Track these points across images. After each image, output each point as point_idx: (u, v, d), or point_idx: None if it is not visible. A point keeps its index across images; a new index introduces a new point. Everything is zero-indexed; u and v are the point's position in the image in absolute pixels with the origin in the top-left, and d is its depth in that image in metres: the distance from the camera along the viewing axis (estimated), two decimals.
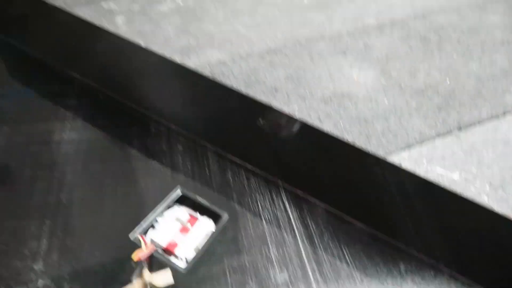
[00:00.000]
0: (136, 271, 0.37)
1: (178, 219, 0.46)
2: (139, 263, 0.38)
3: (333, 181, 0.48)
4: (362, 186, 0.46)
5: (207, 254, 0.42)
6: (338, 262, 0.43)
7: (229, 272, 0.41)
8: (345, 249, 0.44)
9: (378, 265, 0.43)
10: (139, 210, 0.46)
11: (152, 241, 0.44)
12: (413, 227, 0.45)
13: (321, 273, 0.42)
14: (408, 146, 1.01)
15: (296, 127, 0.46)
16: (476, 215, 0.39)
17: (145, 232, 0.45)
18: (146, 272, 0.38)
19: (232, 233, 0.45)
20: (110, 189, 0.48)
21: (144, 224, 0.44)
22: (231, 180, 0.50)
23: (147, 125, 0.57)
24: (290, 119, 0.44)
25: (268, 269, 0.42)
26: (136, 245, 0.42)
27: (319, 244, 0.44)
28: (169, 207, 0.48)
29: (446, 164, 0.96)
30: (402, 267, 0.43)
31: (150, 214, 0.45)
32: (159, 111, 0.59)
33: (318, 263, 0.43)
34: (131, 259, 0.38)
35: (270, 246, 0.44)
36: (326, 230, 0.46)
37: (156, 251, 0.43)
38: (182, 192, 0.48)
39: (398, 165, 0.39)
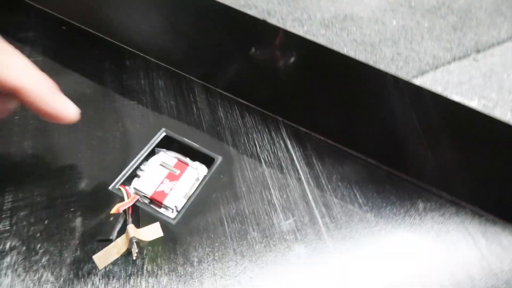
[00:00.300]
0: (118, 227, 0.31)
1: (164, 165, 0.40)
2: (121, 217, 0.32)
3: (339, 113, 0.41)
4: (373, 117, 0.39)
5: (200, 202, 0.37)
6: (349, 205, 0.38)
7: (226, 221, 0.36)
8: (356, 189, 0.39)
9: (394, 205, 0.38)
10: (119, 158, 0.40)
11: (136, 191, 0.38)
12: (432, 162, 0.40)
13: (331, 217, 0.37)
14: (421, 72, 0.92)
15: (295, 47, 0.38)
16: (504, 140, 0.34)
17: (127, 183, 0.39)
18: (130, 227, 0.33)
19: (227, 178, 0.39)
20: (83, 136, 0.41)
21: (125, 173, 0.38)
22: (223, 118, 0.44)
23: (122, 59, 0.49)
24: (289, 36, 0.36)
25: (272, 216, 0.36)
26: (118, 198, 0.36)
27: (327, 186, 0.39)
28: (153, 152, 0.42)
29: (463, 90, 0.87)
30: (421, 205, 0.38)
31: (131, 161, 0.39)
32: (135, 42, 0.50)
33: (327, 207, 0.38)
34: (110, 214, 0.32)
35: (272, 190, 0.38)
36: (334, 170, 0.40)
37: (140, 201, 0.37)
38: (167, 134, 0.42)
39: (416, 84, 0.33)
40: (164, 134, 0.42)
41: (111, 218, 0.31)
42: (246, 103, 0.45)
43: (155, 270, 0.33)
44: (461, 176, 0.39)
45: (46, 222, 0.35)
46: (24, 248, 0.33)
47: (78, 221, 0.35)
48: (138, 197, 0.37)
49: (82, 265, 0.33)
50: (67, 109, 0.27)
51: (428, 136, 0.38)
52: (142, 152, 0.40)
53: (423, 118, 0.37)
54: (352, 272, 0.34)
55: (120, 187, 0.37)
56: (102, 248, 0.32)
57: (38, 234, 0.34)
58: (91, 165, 0.39)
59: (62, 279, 0.32)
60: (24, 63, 0.25)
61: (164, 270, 0.33)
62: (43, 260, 0.33)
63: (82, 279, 0.32)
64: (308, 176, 0.40)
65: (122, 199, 0.36)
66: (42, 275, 0.32)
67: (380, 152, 0.41)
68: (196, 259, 0.33)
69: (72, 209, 0.35)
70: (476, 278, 0.34)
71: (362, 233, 0.36)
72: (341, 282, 0.33)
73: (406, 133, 0.40)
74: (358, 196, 0.39)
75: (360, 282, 0.33)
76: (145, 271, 0.33)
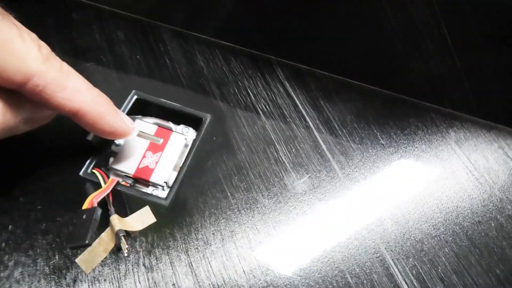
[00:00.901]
0: (94, 226, 0.24)
1: (143, 135, 0.33)
2: (96, 211, 0.25)
3: (345, 40, 0.33)
4: (386, 39, 0.32)
5: (195, 173, 0.30)
6: (370, 149, 0.32)
7: (230, 192, 0.30)
8: (376, 128, 0.33)
9: (422, 140, 0.32)
10: (86, 135, 0.32)
11: (115, 172, 0.31)
12: (460, 84, 0.33)
13: (352, 166, 0.31)
14: None
15: None
16: None
17: (103, 164, 0.32)
18: (114, 218, 0.27)
19: (222, 139, 0.32)
20: None
21: (97, 152, 0.31)
22: (204, 67, 0.36)
23: (67, 13, 0.39)
24: None
25: (282, 177, 0.30)
26: (93, 185, 0.29)
27: (341, 130, 0.33)
28: None
29: None
30: (452, 135, 0.32)
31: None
32: None
33: (346, 155, 0.31)
34: (82, 211, 0.25)
35: (277, 146, 0.32)
36: (347, 110, 0.34)
37: (122, 183, 0.30)
38: (139, 97, 0.34)
39: None
40: (135, 97, 0.34)
41: (84, 216, 0.24)
42: (230, 44, 0.37)
43: (154, 264, 0.27)
44: (495, 96, 0.33)
45: (9, 228, 0.28)
46: None
47: (48, 221, 0.28)
48: (117, 179, 0.30)
49: (65, 273, 0.27)
50: (125, 126, 0.26)
51: (456, 52, 0.31)
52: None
53: (453, 28, 0.29)
54: (385, 223, 0.28)
55: (94, 171, 0.31)
56: (84, 250, 0.26)
57: (3, 244, 0.28)
58: (52, 149, 0.31)
59: None
60: (81, 84, 0.24)
61: (165, 261, 0.27)
62: (15, 274, 0.27)
63: None
64: (317, 122, 0.33)
65: (99, 185, 0.29)
66: None
67: (398, 81, 0.34)
68: (201, 242, 0.28)
69: (39, 207, 0.29)
70: None
71: (391, 180, 0.30)
72: (374, 236, 0.28)
73: (427, 55, 0.32)
74: (379, 136, 0.32)
75: (394, 235, 0.28)
76: (142, 267, 0.27)
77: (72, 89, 0.23)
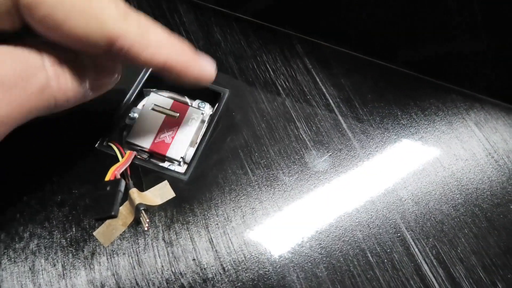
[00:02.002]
0: (119, 198, 0.24)
1: (158, 109, 0.32)
2: (119, 183, 0.25)
3: (367, 15, 0.33)
4: (410, 11, 0.31)
5: (213, 149, 0.30)
6: (390, 128, 0.31)
7: (249, 168, 0.29)
8: (397, 108, 0.32)
9: (442, 121, 0.32)
10: (99, 108, 0.31)
11: (131, 146, 0.30)
12: (484, 66, 0.33)
13: (372, 145, 0.30)
14: None
15: None
16: None
17: (118, 138, 0.31)
18: (134, 192, 0.26)
19: (241, 115, 0.31)
20: None
21: (112, 125, 0.30)
22: (221, 41, 0.35)
23: None
24: None
25: (303, 155, 0.30)
26: (108, 158, 0.28)
27: (362, 109, 0.32)
28: (142, 95, 0.33)
29: None
30: (473, 117, 0.32)
31: (117, 110, 0.31)
32: None
33: (366, 134, 0.31)
34: (105, 183, 0.25)
35: (298, 123, 0.31)
36: (368, 88, 0.33)
37: (138, 157, 0.30)
38: None
39: None
40: (150, 69, 0.33)
41: (108, 188, 0.23)
42: (248, 18, 0.36)
43: (174, 239, 0.27)
44: None
45: (24, 199, 0.27)
46: (2, 235, 0.26)
47: (65, 193, 0.27)
48: (135, 152, 0.29)
49: (82, 245, 0.26)
50: (208, 71, 0.25)
51: (484, 31, 0.31)
52: (127, 97, 0.32)
53: (485, 9, 0.29)
54: (406, 204, 0.28)
55: (110, 144, 0.30)
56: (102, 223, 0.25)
57: (18, 215, 0.27)
58: (66, 122, 0.30)
59: (60, 265, 0.25)
60: (162, 36, 0.23)
61: (185, 237, 0.27)
62: (31, 245, 0.26)
63: (86, 262, 0.26)
64: (338, 100, 0.32)
65: (114, 159, 0.28)
66: (34, 264, 0.26)
67: (420, 60, 0.34)
68: (222, 218, 0.27)
69: (54, 179, 0.28)
70: None
71: (411, 161, 0.30)
72: (395, 216, 0.28)
73: (455, 34, 0.32)
74: (400, 116, 0.32)
75: (415, 215, 0.28)
76: (161, 242, 0.26)
77: (155, 45, 0.22)
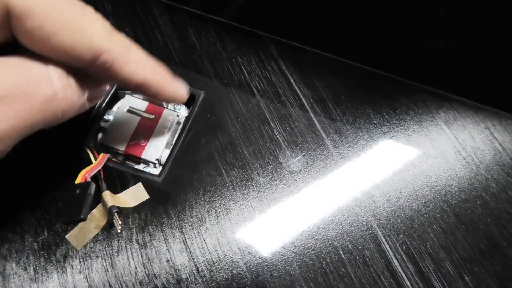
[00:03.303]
0: (89, 201, 0.24)
1: (133, 111, 0.32)
2: (91, 186, 0.25)
3: (339, 17, 0.33)
4: (381, 17, 0.32)
5: (188, 150, 0.30)
6: (363, 128, 0.32)
7: (224, 169, 0.29)
8: (369, 108, 0.33)
9: (413, 120, 0.33)
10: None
11: (105, 148, 0.30)
12: (452, 66, 0.34)
13: (345, 145, 0.31)
14: None
15: None
16: None
17: (92, 140, 0.31)
18: (106, 194, 0.26)
19: (216, 117, 0.32)
20: None
21: (86, 129, 0.30)
22: (196, 43, 0.35)
23: None
24: None
25: (277, 155, 0.30)
26: (83, 161, 0.28)
27: (335, 109, 0.33)
28: (117, 97, 0.33)
29: None
30: (442, 114, 0.33)
31: (92, 113, 0.31)
32: None
33: (339, 134, 0.32)
34: (75, 186, 0.25)
35: (272, 124, 0.31)
36: (341, 89, 0.34)
37: (112, 159, 0.30)
38: None
39: None
40: None
41: (78, 191, 0.23)
42: (223, 20, 0.36)
43: (148, 240, 0.27)
44: (485, 77, 0.34)
45: None
46: None
47: (36, 197, 0.27)
48: (108, 155, 0.29)
49: (55, 249, 0.26)
50: (183, 91, 0.27)
51: (449, 33, 0.32)
52: (101, 101, 0.32)
53: (448, 8, 0.30)
54: (378, 201, 0.29)
55: (84, 147, 0.30)
56: (75, 226, 0.25)
57: None
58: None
59: (32, 269, 0.25)
60: (142, 55, 0.24)
61: (159, 238, 0.27)
62: (1, 250, 0.26)
63: (58, 265, 0.25)
64: (312, 100, 0.33)
65: (88, 162, 0.28)
66: (5, 268, 0.25)
67: (392, 61, 0.35)
68: (196, 220, 0.27)
69: (26, 184, 0.28)
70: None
71: (383, 159, 0.31)
72: (367, 214, 0.28)
73: (422, 34, 0.33)
74: (372, 116, 0.33)
75: (386, 212, 0.29)
76: (135, 244, 0.26)
77: (135, 62, 0.23)
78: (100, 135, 0.32)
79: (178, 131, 0.31)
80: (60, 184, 0.27)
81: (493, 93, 0.34)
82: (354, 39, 0.35)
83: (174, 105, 0.33)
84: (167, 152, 0.31)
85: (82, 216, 0.22)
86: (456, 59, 0.33)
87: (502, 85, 0.34)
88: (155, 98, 0.26)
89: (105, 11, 0.36)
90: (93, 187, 0.24)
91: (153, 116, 0.31)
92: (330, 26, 0.35)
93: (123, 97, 0.33)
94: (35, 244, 0.26)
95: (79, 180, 0.24)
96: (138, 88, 0.24)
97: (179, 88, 0.27)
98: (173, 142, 0.31)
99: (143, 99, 0.33)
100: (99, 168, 0.27)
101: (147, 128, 0.31)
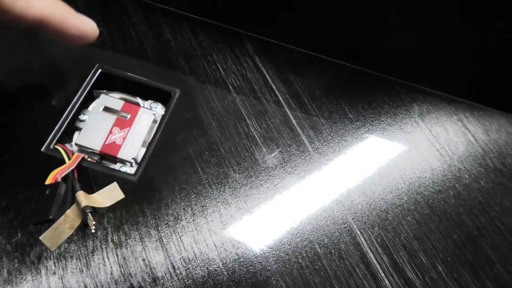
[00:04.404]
0: (58, 201, 0.24)
1: (109, 110, 0.32)
2: (61, 186, 0.24)
3: (314, 13, 0.33)
4: (355, 12, 0.32)
5: (164, 149, 0.30)
6: (339, 122, 0.32)
7: (200, 166, 0.29)
8: (344, 103, 0.33)
9: (388, 114, 0.33)
10: (48, 110, 0.31)
11: (80, 148, 0.30)
12: (424, 59, 0.34)
13: (321, 140, 0.31)
14: None
15: None
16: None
17: (67, 139, 0.30)
18: (80, 195, 0.26)
19: (192, 114, 0.32)
20: None
21: (60, 127, 0.30)
22: (171, 40, 0.35)
23: None
24: None
25: (253, 151, 0.30)
26: (55, 161, 0.28)
27: (310, 105, 0.33)
28: (92, 96, 0.33)
29: None
30: (416, 107, 0.34)
31: (65, 111, 0.30)
32: None
33: (315, 129, 0.32)
34: (45, 186, 0.24)
35: (248, 120, 0.32)
36: (316, 84, 0.34)
37: (87, 160, 0.30)
38: (104, 70, 0.33)
39: None
40: (100, 71, 0.33)
41: (47, 191, 0.23)
42: (197, 17, 0.36)
43: (123, 240, 0.27)
44: (457, 70, 0.34)
45: None
46: None
47: (9, 198, 0.27)
48: (82, 155, 0.29)
49: (28, 250, 0.26)
50: (92, 25, 0.25)
51: (419, 28, 0.32)
52: (76, 98, 0.31)
53: (417, 4, 0.30)
54: (353, 195, 0.29)
55: (56, 146, 0.29)
56: (49, 227, 0.25)
57: None
58: (12, 124, 0.30)
59: (5, 271, 0.25)
60: None
61: (134, 237, 0.27)
62: None
63: (32, 266, 0.25)
64: (287, 96, 0.33)
65: (62, 162, 0.28)
66: None
67: (366, 56, 0.35)
68: (171, 218, 0.27)
69: None
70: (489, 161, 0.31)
71: (358, 153, 0.31)
72: (342, 207, 0.29)
73: (393, 27, 0.33)
74: (347, 110, 0.33)
75: (361, 205, 0.29)
76: (110, 243, 0.26)
77: None
78: (76, 135, 0.31)
79: (154, 129, 0.31)
80: (33, 184, 0.27)
81: (465, 85, 0.34)
82: (329, 36, 0.35)
83: (150, 104, 0.33)
84: (143, 151, 0.30)
85: (51, 217, 0.22)
86: (425, 53, 0.33)
87: (474, 77, 0.34)
88: (63, 36, 0.24)
89: (78, 9, 0.35)
90: (63, 187, 0.24)
91: (129, 115, 0.31)
92: (305, 23, 0.35)
93: (98, 96, 0.33)
94: (9, 246, 0.26)
95: (49, 180, 0.24)
96: (40, 26, 0.23)
97: (85, 20, 0.25)
98: (149, 141, 0.31)
99: (119, 99, 0.32)
100: (72, 168, 0.27)
101: (123, 127, 0.31)
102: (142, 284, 0.25)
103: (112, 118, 0.31)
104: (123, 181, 0.28)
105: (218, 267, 0.26)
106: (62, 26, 0.23)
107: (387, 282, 0.26)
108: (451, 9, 0.30)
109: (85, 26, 0.25)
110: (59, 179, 0.25)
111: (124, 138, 0.30)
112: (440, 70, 0.34)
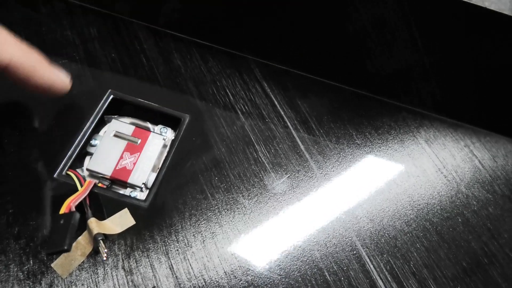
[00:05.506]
0: (72, 231, 0.24)
1: (120, 135, 0.32)
2: (74, 216, 0.25)
3: (321, 40, 0.34)
4: (360, 41, 0.33)
5: (174, 174, 0.30)
6: (346, 148, 0.33)
7: (210, 192, 0.30)
8: (352, 128, 0.34)
9: (395, 139, 0.34)
10: (60, 136, 0.31)
11: (91, 173, 0.31)
12: (431, 86, 0.35)
13: (329, 165, 0.32)
14: None
15: None
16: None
17: (78, 164, 0.31)
18: (92, 222, 0.26)
19: (201, 139, 0.32)
20: (6, 117, 0.32)
21: (72, 153, 0.30)
22: (181, 66, 0.35)
23: (35, 5, 0.38)
24: None
25: (262, 177, 0.31)
26: (67, 186, 0.28)
27: (318, 130, 0.33)
28: (103, 121, 0.33)
29: None
30: (423, 133, 0.34)
31: (77, 137, 0.31)
32: None
33: (323, 154, 0.32)
34: (60, 216, 0.25)
35: (256, 146, 0.32)
36: (324, 109, 0.34)
37: (98, 185, 0.30)
38: (115, 96, 0.33)
39: None
40: (112, 96, 0.34)
41: (62, 221, 0.23)
42: (207, 43, 0.37)
43: (134, 267, 0.27)
44: (463, 96, 0.35)
45: None
46: None
47: (21, 225, 0.27)
48: (94, 181, 0.29)
49: (40, 278, 0.26)
50: (60, 79, 0.25)
51: (426, 54, 0.33)
52: (88, 124, 0.32)
53: (422, 30, 0.31)
54: (362, 221, 0.29)
55: (69, 172, 0.30)
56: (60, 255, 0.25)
57: None
58: (24, 150, 0.30)
59: None
60: (8, 37, 0.23)
61: (145, 264, 0.27)
62: None
63: None
64: (295, 122, 0.33)
65: (74, 187, 0.28)
66: None
67: (373, 81, 0.35)
68: (182, 244, 0.28)
69: (10, 211, 0.28)
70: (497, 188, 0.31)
71: (366, 179, 0.31)
72: (351, 234, 0.29)
73: (400, 54, 0.34)
74: (355, 136, 0.33)
75: (370, 232, 0.29)
76: (121, 270, 0.26)
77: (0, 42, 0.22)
78: (87, 160, 0.32)
79: (165, 154, 0.32)
80: (45, 211, 0.27)
81: (471, 110, 0.35)
82: (337, 61, 0.36)
83: (160, 129, 0.34)
84: (153, 176, 0.31)
85: (66, 247, 0.22)
86: (432, 79, 0.34)
87: (480, 103, 0.35)
88: (29, 85, 0.24)
89: (91, 36, 0.36)
90: (77, 216, 0.24)
91: (140, 140, 0.32)
92: (313, 49, 0.35)
93: (109, 121, 0.33)
94: (20, 273, 0.26)
95: (63, 210, 0.24)
96: (6, 71, 0.23)
97: (56, 73, 0.25)
98: (160, 166, 0.31)
99: (130, 123, 0.33)
100: (85, 195, 0.27)
101: (134, 152, 0.31)
102: None
103: (123, 143, 0.32)
104: (134, 207, 0.28)
105: None
106: (29, 75, 0.24)
107: None
108: (456, 35, 0.31)
109: (54, 78, 0.25)
110: (73, 208, 0.25)
111: (134, 163, 0.31)
112: (446, 95, 0.34)
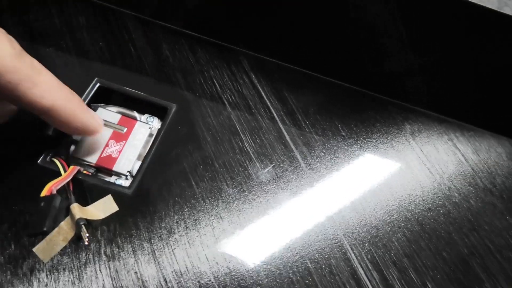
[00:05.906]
0: (52, 213, 0.24)
1: (106, 124, 0.32)
2: (56, 199, 0.25)
3: (309, 32, 0.34)
4: (347, 32, 0.33)
5: (159, 163, 0.30)
6: (332, 140, 0.33)
7: (194, 181, 0.30)
8: (338, 120, 0.34)
9: (380, 132, 0.34)
10: (46, 124, 0.31)
11: (77, 161, 0.31)
12: (416, 80, 0.35)
13: (314, 156, 0.32)
14: None
15: None
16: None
17: (64, 152, 0.31)
18: (74, 207, 0.26)
19: (187, 129, 0.32)
20: None
21: (58, 141, 0.30)
22: (169, 56, 0.36)
23: None
24: None
25: (246, 166, 0.31)
26: (52, 174, 0.28)
27: (304, 122, 0.34)
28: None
29: None
30: (408, 126, 0.34)
31: None
32: None
33: (308, 146, 0.32)
34: (41, 198, 0.25)
35: (242, 136, 0.32)
36: (310, 102, 0.35)
37: (83, 172, 0.30)
38: (102, 84, 0.33)
39: None
40: (98, 85, 0.34)
41: (42, 203, 0.24)
42: (195, 34, 0.37)
43: (116, 252, 0.27)
44: (449, 91, 0.35)
45: None
46: None
47: (4, 210, 0.27)
48: (78, 168, 0.29)
49: (21, 262, 0.26)
50: (96, 124, 0.26)
51: (412, 50, 0.33)
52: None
53: (408, 26, 0.31)
54: (344, 211, 0.30)
55: (53, 159, 0.30)
56: (43, 239, 0.25)
57: None
58: (9, 137, 0.30)
59: None
60: (53, 80, 0.23)
61: (127, 250, 0.27)
62: None
63: (25, 278, 0.25)
64: (282, 113, 0.34)
65: (58, 174, 0.28)
66: None
67: (359, 75, 0.36)
68: (164, 231, 0.28)
69: None
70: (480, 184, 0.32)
71: (350, 170, 0.32)
72: (333, 223, 0.29)
73: (386, 49, 0.34)
74: (340, 128, 0.34)
75: (352, 222, 0.29)
76: (103, 256, 0.27)
77: (44, 86, 0.23)
78: (72, 147, 0.32)
79: (150, 143, 0.32)
80: (28, 196, 0.27)
81: (456, 106, 0.35)
82: (324, 54, 0.36)
83: (147, 118, 0.34)
84: (138, 164, 0.31)
85: (44, 229, 0.22)
86: (417, 74, 0.34)
87: (465, 99, 0.35)
88: (66, 128, 0.25)
89: (79, 25, 0.36)
90: (58, 200, 0.24)
91: (126, 129, 0.32)
92: (301, 42, 0.36)
93: (95, 109, 0.33)
94: (1, 257, 0.26)
95: (44, 192, 0.24)
96: (46, 114, 0.24)
97: (93, 118, 0.26)
98: (145, 154, 0.31)
99: (116, 112, 0.33)
100: (67, 180, 0.27)
101: (119, 141, 0.31)
102: None
103: (108, 131, 0.32)
104: (118, 194, 0.28)
105: (210, 280, 0.26)
106: (69, 120, 0.24)
107: None
108: (442, 31, 0.31)
109: (91, 123, 0.26)
110: (55, 192, 0.25)
111: (120, 151, 0.31)
112: (432, 90, 0.35)
